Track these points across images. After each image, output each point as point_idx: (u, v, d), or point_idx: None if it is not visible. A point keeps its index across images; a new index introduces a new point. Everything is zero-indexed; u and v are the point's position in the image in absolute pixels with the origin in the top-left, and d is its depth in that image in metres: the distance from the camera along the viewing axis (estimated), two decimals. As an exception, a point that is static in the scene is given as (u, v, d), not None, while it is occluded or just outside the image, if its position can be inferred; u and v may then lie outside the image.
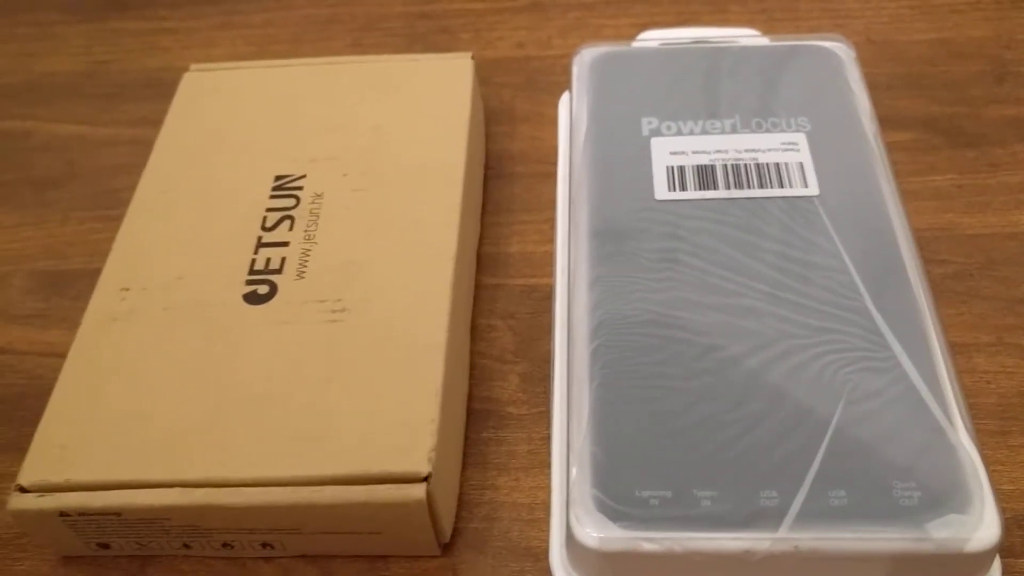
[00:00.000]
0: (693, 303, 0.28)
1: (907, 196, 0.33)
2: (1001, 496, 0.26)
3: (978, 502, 0.23)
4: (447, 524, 0.27)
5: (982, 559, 0.23)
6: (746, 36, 0.37)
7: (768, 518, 0.23)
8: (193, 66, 0.38)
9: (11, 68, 0.44)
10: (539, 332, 0.32)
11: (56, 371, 0.28)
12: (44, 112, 0.42)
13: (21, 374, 0.32)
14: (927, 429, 0.25)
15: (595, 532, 0.23)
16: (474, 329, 0.32)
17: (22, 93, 0.43)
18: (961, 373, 0.29)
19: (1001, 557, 0.25)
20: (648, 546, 0.23)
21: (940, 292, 0.31)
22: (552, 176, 0.35)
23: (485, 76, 0.41)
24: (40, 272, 0.36)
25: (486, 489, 0.28)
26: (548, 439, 0.29)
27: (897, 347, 0.26)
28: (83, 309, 0.29)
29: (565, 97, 0.37)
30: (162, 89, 0.38)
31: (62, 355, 0.28)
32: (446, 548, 0.27)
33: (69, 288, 0.35)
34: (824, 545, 0.23)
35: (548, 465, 0.28)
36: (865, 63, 0.37)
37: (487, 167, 0.38)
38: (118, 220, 0.32)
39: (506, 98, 0.40)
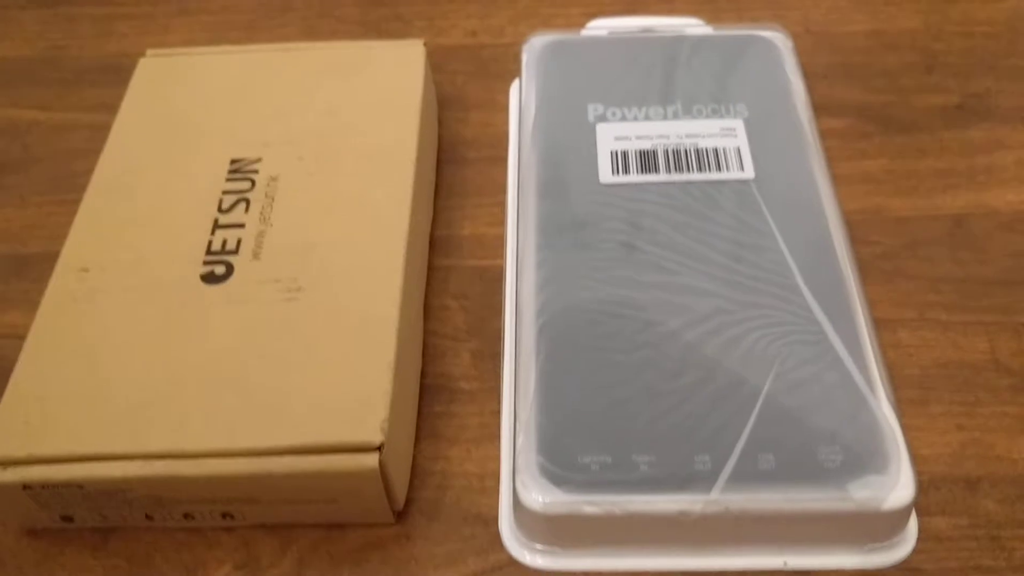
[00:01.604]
0: (634, 282, 0.29)
1: (839, 180, 0.35)
2: (920, 460, 0.28)
3: (895, 464, 0.25)
4: (400, 493, 0.28)
5: (898, 517, 0.25)
6: (691, 25, 0.38)
7: (701, 481, 0.25)
8: (149, 51, 0.38)
9: (-35, 52, 0.44)
10: (490, 311, 0.33)
11: (17, 351, 0.28)
12: (-1, 97, 0.42)
13: (-19, 355, 0.33)
14: (851, 398, 0.26)
15: (540, 496, 0.25)
16: (427, 309, 0.33)
17: (-24, 78, 0.43)
18: (886, 347, 0.31)
19: (918, 515, 0.27)
20: (589, 509, 0.25)
21: (868, 271, 0.33)
22: (503, 161, 0.36)
23: (438, 63, 0.42)
24: (-2, 255, 0.36)
25: (438, 460, 0.30)
26: (498, 413, 0.30)
27: (825, 322, 0.28)
28: (43, 291, 0.30)
29: (516, 84, 0.38)
30: (119, 75, 0.38)
31: (23, 336, 0.29)
32: (400, 516, 0.28)
33: (29, 271, 0.35)
34: (753, 506, 0.25)
35: (498, 437, 0.30)
36: (803, 53, 0.38)
37: (440, 152, 0.38)
38: (76, 204, 0.32)
39: (459, 85, 0.41)
